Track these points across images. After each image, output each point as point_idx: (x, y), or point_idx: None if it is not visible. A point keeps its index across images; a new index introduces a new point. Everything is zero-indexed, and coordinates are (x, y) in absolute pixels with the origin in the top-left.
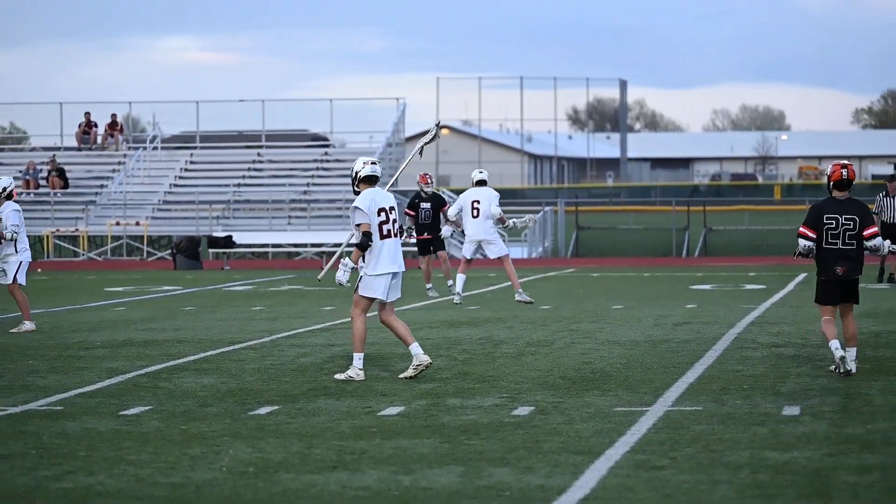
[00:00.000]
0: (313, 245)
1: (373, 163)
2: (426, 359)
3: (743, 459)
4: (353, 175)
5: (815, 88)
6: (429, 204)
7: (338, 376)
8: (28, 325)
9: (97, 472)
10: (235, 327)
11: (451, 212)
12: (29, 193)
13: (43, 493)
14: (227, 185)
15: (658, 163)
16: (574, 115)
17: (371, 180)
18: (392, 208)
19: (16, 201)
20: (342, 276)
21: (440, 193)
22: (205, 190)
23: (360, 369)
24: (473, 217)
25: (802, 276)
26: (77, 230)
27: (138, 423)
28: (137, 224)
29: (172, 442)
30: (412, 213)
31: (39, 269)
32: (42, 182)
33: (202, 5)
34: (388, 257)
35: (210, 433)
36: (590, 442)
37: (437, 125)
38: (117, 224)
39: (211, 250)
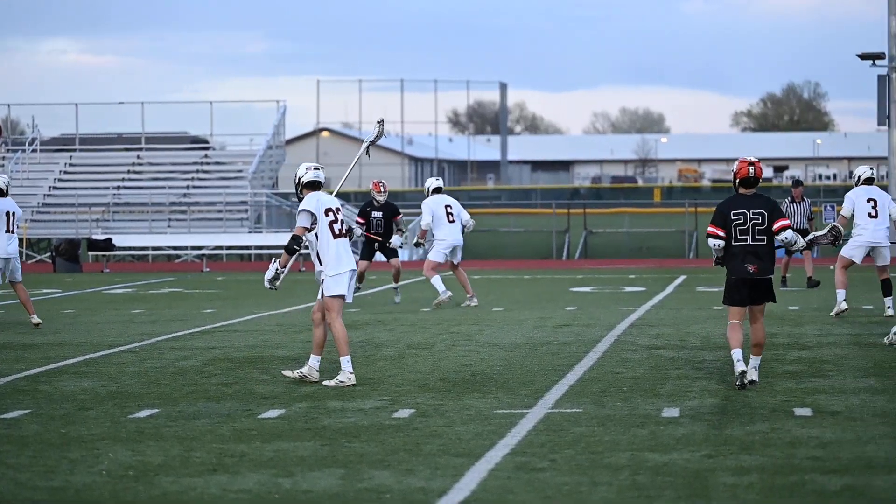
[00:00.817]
0: (193, 248)
1: (315, 168)
2: (348, 379)
3: (623, 461)
4: (297, 181)
5: (695, 91)
6: (381, 213)
7: (327, 383)
8: None
9: None
10: (115, 330)
11: (425, 221)
12: None
13: None
14: (107, 188)
15: (538, 165)
16: (454, 117)
17: (314, 185)
18: (338, 209)
19: None
20: (268, 274)
21: (392, 203)
22: (84, 192)
23: (350, 373)
24: (450, 222)
25: (682, 278)
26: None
27: (17, 427)
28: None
29: (52, 445)
30: (362, 220)
31: None
32: None
33: (81, 8)
34: (345, 256)
35: (90, 436)
36: (470, 444)
37: (379, 122)
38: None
39: (91, 253)
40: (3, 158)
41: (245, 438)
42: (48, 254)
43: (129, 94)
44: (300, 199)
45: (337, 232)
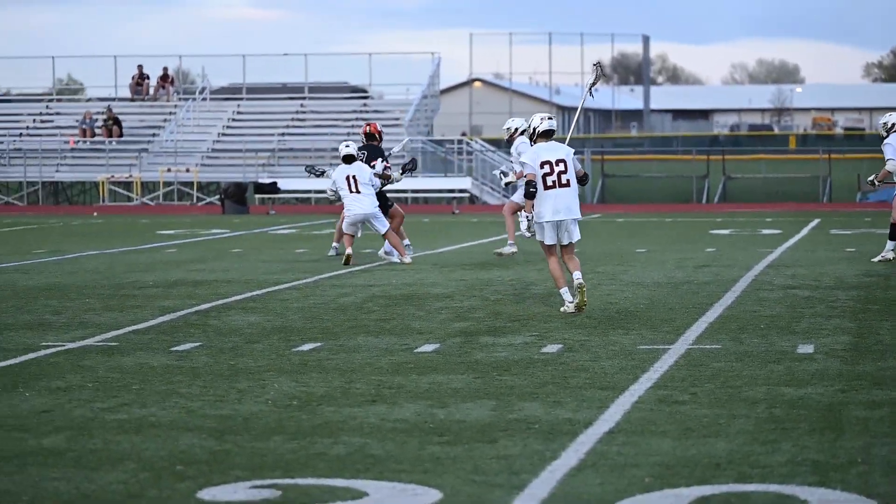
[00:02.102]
0: None
1: (549, 118)
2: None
3: (760, 395)
4: (532, 130)
5: (828, 44)
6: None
7: (563, 309)
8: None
9: (150, 404)
10: (280, 269)
11: (328, 185)
12: (85, 142)
13: (99, 424)
14: (272, 135)
15: (679, 114)
16: None
17: (548, 134)
18: (561, 160)
19: (73, 149)
20: (524, 226)
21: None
22: (251, 139)
23: (570, 302)
24: (354, 192)
25: (816, 221)
26: (131, 176)
27: (189, 359)
28: (188, 171)
29: (221, 376)
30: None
31: (95, 213)
32: (97, 131)
33: None
34: (550, 207)
35: (256, 368)
36: (615, 378)
37: (596, 65)
38: (168, 171)
39: (257, 196)
40: (176, 107)
41: (402, 371)
42: (217, 196)
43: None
44: (509, 144)
45: (550, 183)
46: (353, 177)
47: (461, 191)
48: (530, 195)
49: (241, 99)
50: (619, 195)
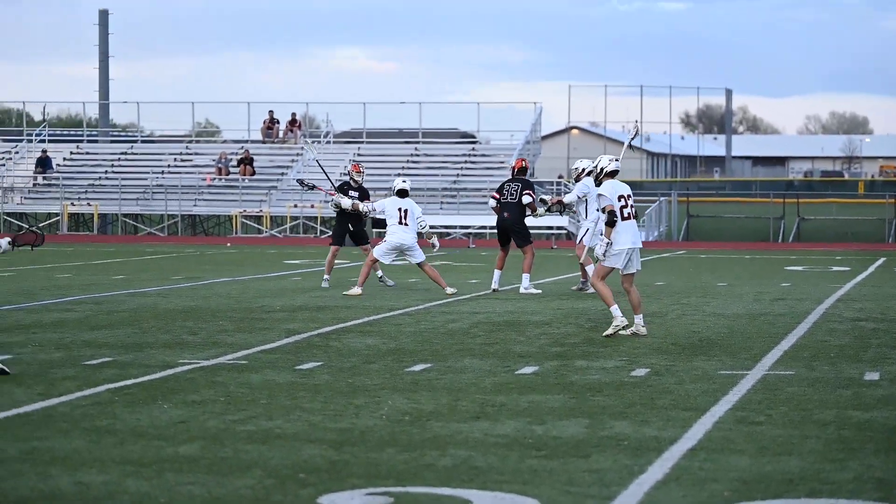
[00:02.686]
0: (462, 227)
1: (616, 160)
2: (644, 330)
3: (829, 417)
4: (598, 170)
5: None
6: (357, 193)
7: (606, 333)
8: (356, 290)
9: (276, 417)
10: (394, 296)
11: (375, 206)
12: (220, 179)
13: (230, 434)
14: (389, 175)
15: (758, 161)
16: (686, 118)
17: (613, 174)
18: (629, 195)
19: (210, 185)
20: (599, 250)
21: (365, 187)
22: (370, 179)
23: (621, 317)
24: (402, 224)
25: (882, 260)
26: (261, 211)
27: (311, 377)
28: (312, 206)
29: (340, 393)
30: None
31: (229, 244)
32: (232, 169)
33: (369, 22)
34: (626, 235)
35: (372, 386)
36: (697, 400)
37: (636, 122)
38: (295, 206)
39: (375, 230)
40: (302, 148)
41: (504, 391)
42: None
43: (408, 95)
44: (598, 185)
45: (626, 215)
46: (406, 210)
47: (559, 227)
48: (611, 223)
49: (362, 142)
50: (703, 233)
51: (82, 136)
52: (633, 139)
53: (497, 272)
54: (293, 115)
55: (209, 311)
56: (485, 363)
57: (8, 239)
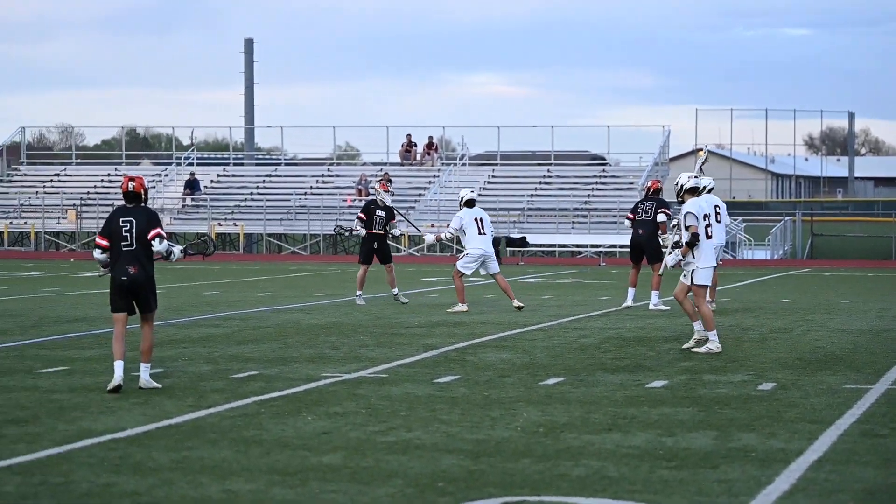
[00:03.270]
0: (592, 245)
1: (695, 177)
2: (716, 347)
3: None
4: (679, 188)
5: None
6: (384, 213)
7: (697, 350)
8: (461, 307)
9: (415, 428)
10: (528, 312)
11: (454, 225)
12: (360, 200)
13: (371, 445)
14: (522, 195)
15: (880, 181)
16: (810, 140)
17: (694, 191)
18: (713, 214)
19: (350, 206)
20: (671, 260)
21: (393, 206)
22: (504, 199)
23: (718, 343)
24: (481, 234)
25: None
26: (400, 231)
27: (449, 389)
28: (447, 226)
29: (477, 405)
30: (365, 217)
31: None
32: (371, 191)
33: (503, 49)
34: (712, 253)
35: (507, 399)
36: (822, 413)
37: (705, 148)
38: (432, 226)
39: (509, 248)
40: (439, 170)
41: (635, 403)
42: None
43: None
44: (681, 203)
45: (710, 234)
46: (481, 219)
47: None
48: (693, 244)
49: (496, 164)
50: (827, 252)
51: (228, 159)
52: (703, 164)
53: (631, 290)
54: (430, 138)
55: (350, 327)
56: (616, 377)
57: (181, 247)
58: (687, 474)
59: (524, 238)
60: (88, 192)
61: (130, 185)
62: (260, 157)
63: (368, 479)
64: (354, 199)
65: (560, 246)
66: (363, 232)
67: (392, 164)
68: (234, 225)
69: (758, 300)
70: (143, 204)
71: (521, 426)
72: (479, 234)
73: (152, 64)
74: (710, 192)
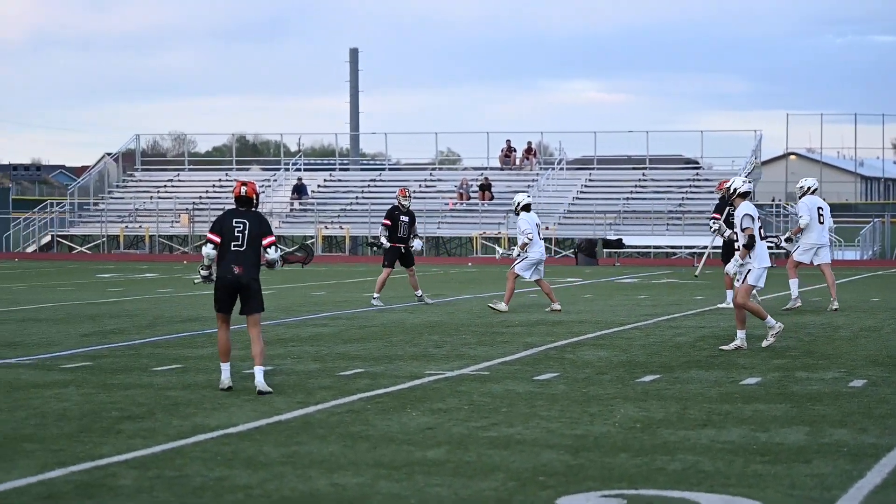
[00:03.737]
0: (686, 247)
1: (749, 182)
2: (779, 327)
3: None
4: (732, 191)
5: None
6: (407, 218)
7: (724, 347)
8: (502, 307)
9: (516, 424)
10: (624, 312)
11: (526, 229)
12: (461, 203)
13: (474, 440)
14: (618, 198)
15: None
16: None
17: (746, 195)
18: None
19: (452, 210)
20: (732, 268)
21: (412, 210)
22: (601, 202)
23: (779, 325)
24: (540, 239)
25: None
26: (499, 233)
27: (548, 386)
28: (547, 228)
29: (575, 402)
30: (389, 223)
31: (470, 263)
32: (472, 194)
33: (600, 57)
34: (767, 254)
35: (605, 395)
36: None
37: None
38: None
39: (605, 250)
40: (538, 175)
41: (729, 400)
42: (572, 250)
43: (635, 125)
44: (730, 205)
45: (763, 235)
46: (538, 224)
47: (777, 247)
48: (751, 246)
49: (593, 168)
50: None
51: (334, 164)
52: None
53: (730, 292)
54: (529, 143)
55: (453, 326)
56: (710, 374)
57: (279, 255)
58: (780, 469)
59: (620, 240)
60: (200, 197)
61: (243, 189)
62: (365, 162)
63: (471, 472)
64: (456, 203)
65: (655, 247)
66: (387, 245)
67: (492, 168)
68: (340, 228)
69: (848, 299)
70: (254, 209)
71: (618, 422)
72: (539, 238)
73: (261, 73)
74: (814, 192)
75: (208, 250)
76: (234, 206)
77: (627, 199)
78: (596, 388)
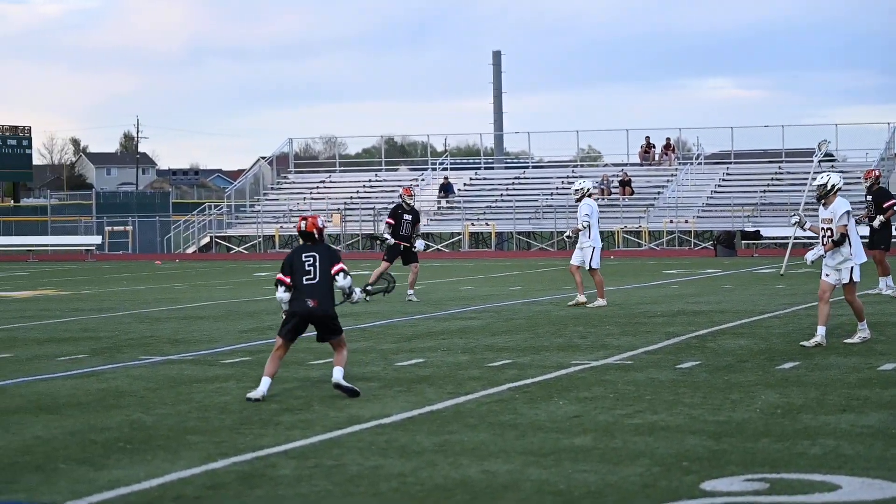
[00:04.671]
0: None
1: (841, 173)
2: (868, 335)
3: None
4: (832, 188)
5: None
6: (410, 217)
7: (847, 341)
8: (601, 302)
9: (660, 411)
10: (763, 301)
11: (589, 214)
12: (603, 199)
13: (619, 427)
14: (755, 192)
15: None
16: None
17: (839, 191)
18: (850, 212)
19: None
20: (812, 255)
21: (416, 209)
22: (738, 195)
23: (865, 332)
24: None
25: None
26: (640, 226)
27: (691, 374)
28: (686, 222)
29: (717, 389)
30: (392, 222)
31: (612, 257)
32: (613, 190)
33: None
34: (862, 250)
35: (746, 382)
36: None
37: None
38: (671, 222)
39: (743, 241)
40: (676, 170)
41: (868, 385)
42: (710, 242)
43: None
44: (823, 203)
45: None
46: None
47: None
48: (841, 243)
49: (730, 163)
50: None
51: (479, 163)
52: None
53: (884, 279)
54: (667, 139)
55: (597, 317)
56: (849, 360)
57: (360, 288)
58: None
59: (758, 231)
60: (351, 197)
61: (303, 224)
62: (509, 161)
63: (617, 459)
64: (597, 199)
65: (795, 238)
66: (392, 241)
67: (632, 164)
68: (486, 224)
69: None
70: (321, 241)
71: (759, 408)
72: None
73: (408, 77)
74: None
75: (281, 294)
76: (300, 243)
77: (764, 191)
78: (737, 375)
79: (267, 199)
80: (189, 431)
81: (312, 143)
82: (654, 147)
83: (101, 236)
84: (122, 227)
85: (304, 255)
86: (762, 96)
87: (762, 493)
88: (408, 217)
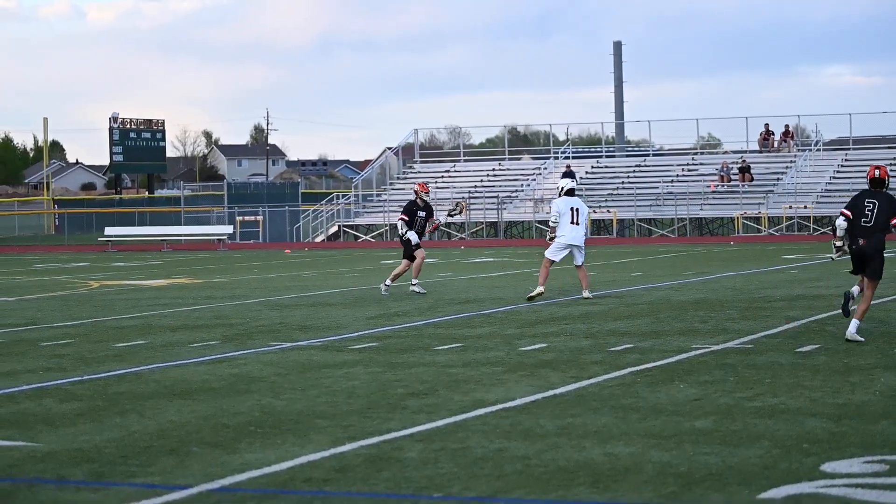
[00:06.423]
0: None
1: None
2: None
3: None
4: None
5: None
6: (424, 213)
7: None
8: (540, 289)
9: (780, 394)
10: (882, 285)
11: (553, 211)
12: (722, 186)
13: (739, 410)
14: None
15: None
16: None
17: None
18: None
19: (713, 192)
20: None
21: (430, 204)
22: (857, 181)
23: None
24: (573, 223)
25: None
26: (759, 212)
27: (810, 358)
28: (805, 207)
29: (837, 372)
30: (406, 217)
31: (732, 242)
32: (733, 176)
33: (854, 43)
34: None
35: (866, 365)
36: None
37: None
38: (790, 207)
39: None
40: (795, 156)
41: None
42: (829, 227)
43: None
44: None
45: None
46: (577, 209)
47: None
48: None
49: (849, 149)
50: None
51: (601, 152)
52: None
53: None
54: (786, 126)
55: (717, 302)
56: None
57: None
58: None
59: None
60: (475, 186)
61: (876, 172)
62: (630, 149)
63: (737, 441)
64: (717, 185)
65: None
66: (415, 238)
67: (751, 151)
68: (608, 212)
69: None
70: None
71: (878, 390)
72: (572, 223)
73: (531, 67)
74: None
75: (840, 222)
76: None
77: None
78: (856, 358)
79: (393, 189)
80: (318, 416)
81: (437, 134)
82: (773, 134)
83: (232, 226)
84: (252, 217)
85: (866, 200)
86: (881, 83)
87: (882, 475)
88: (422, 213)
